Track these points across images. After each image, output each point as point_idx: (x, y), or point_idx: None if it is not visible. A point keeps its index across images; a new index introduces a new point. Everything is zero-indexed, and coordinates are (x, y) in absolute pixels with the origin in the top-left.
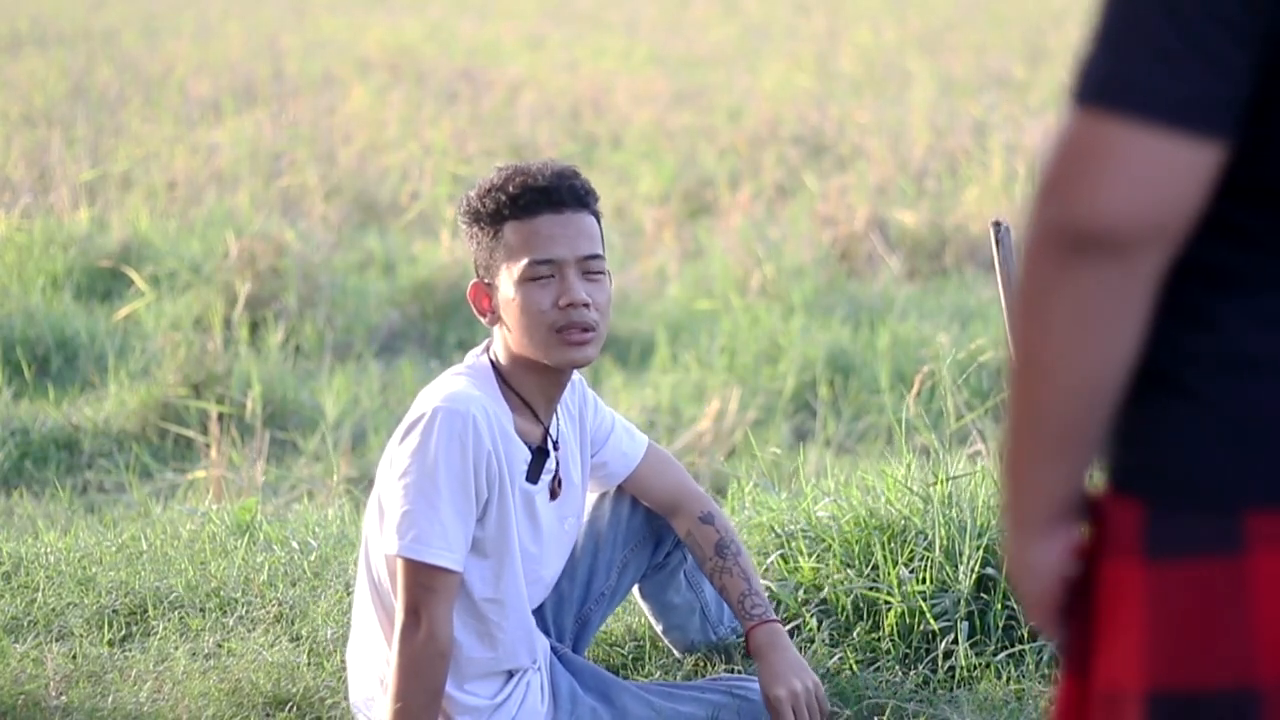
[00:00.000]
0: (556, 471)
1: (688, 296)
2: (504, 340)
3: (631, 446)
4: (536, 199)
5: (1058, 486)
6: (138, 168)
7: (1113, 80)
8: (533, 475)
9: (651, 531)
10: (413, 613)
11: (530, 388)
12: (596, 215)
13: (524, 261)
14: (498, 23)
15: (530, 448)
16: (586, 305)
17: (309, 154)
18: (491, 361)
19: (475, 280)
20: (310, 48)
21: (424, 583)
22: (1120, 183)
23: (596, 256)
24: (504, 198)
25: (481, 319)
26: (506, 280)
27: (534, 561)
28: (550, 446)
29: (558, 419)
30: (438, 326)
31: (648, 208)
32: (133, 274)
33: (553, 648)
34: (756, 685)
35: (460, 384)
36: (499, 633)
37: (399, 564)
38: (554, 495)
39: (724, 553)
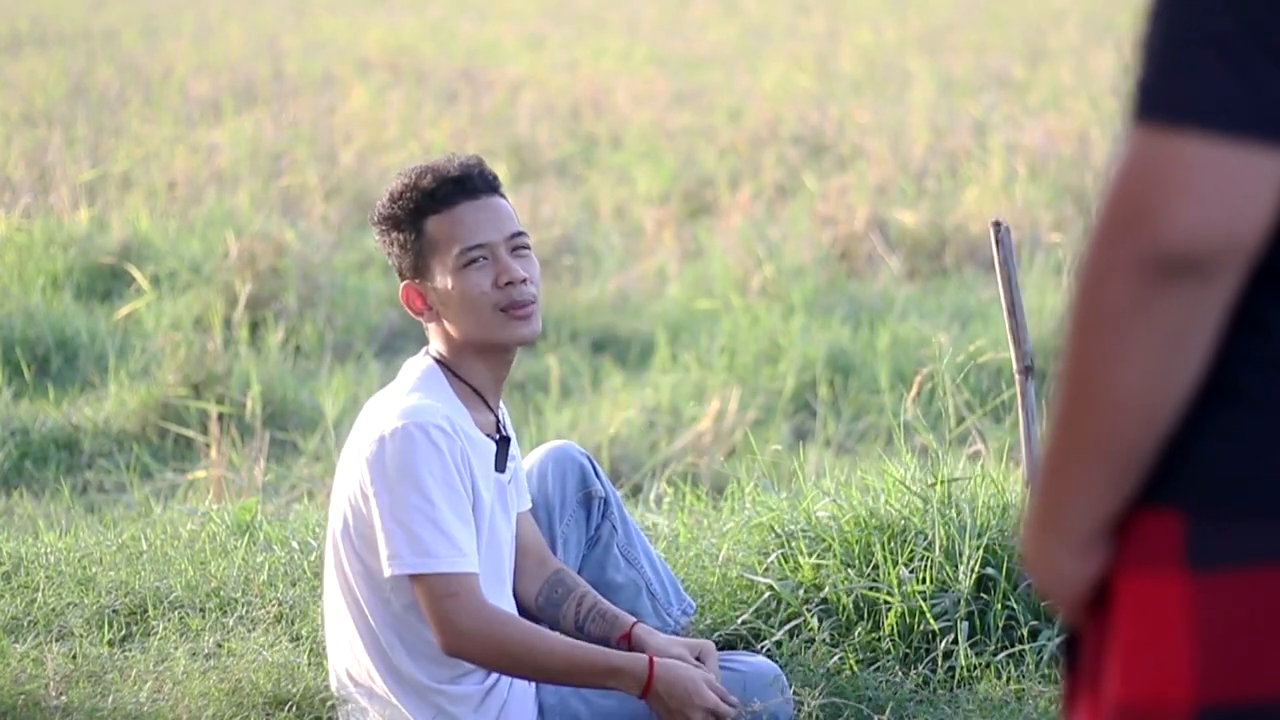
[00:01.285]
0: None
1: (688, 296)
2: (445, 334)
3: (526, 494)
4: (453, 190)
5: (1109, 506)
6: (138, 168)
7: (1179, 92)
8: (500, 464)
9: (582, 503)
10: (444, 625)
11: (481, 375)
12: (506, 199)
13: (456, 250)
14: (498, 23)
15: (492, 439)
16: (525, 281)
17: (309, 154)
18: (436, 359)
19: (405, 283)
20: (310, 48)
21: (443, 591)
22: (1201, 202)
23: (521, 233)
24: (420, 196)
25: (419, 318)
26: (441, 273)
27: (510, 547)
28: (505, 432)
29: (501, 408)
30: None
31: (648, 208)
32: (134, 270)
33: None
34: (747, 658)
35: (414, 400)
36: None
37: (409, 583)
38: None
39: (587, 588)
